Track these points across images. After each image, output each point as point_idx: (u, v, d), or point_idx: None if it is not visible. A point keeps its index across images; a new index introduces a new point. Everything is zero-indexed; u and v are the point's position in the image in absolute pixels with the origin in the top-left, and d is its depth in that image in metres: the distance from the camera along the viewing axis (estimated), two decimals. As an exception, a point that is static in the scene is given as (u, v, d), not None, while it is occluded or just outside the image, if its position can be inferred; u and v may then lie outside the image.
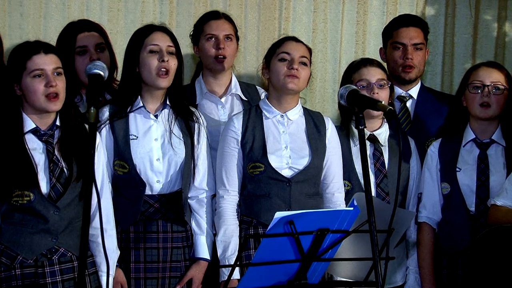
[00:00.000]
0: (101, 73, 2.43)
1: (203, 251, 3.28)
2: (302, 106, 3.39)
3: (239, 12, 4.41)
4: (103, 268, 2.99)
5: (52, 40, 3.47)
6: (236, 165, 3.27)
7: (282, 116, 3.32)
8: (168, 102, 3.28)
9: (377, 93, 3.34)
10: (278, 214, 2.25)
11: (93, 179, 2.34)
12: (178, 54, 3.25)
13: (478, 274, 3.09)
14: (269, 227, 2.26)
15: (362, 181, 3.35)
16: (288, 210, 3.12)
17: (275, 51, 3.31)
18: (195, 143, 3.28)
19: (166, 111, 3.28)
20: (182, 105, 3.30)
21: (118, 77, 3.69)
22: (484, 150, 3.41)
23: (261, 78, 3.53)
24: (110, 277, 2.95)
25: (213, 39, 3.63)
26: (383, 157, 3.43)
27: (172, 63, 3.19)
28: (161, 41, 3.20)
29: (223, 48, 3.60)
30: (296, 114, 3.34)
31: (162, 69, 3.16)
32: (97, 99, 2.32)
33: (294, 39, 3.35)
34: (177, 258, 3.25)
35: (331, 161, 3.33)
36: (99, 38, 3.59)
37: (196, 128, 3.30)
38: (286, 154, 3.27)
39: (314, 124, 3.34)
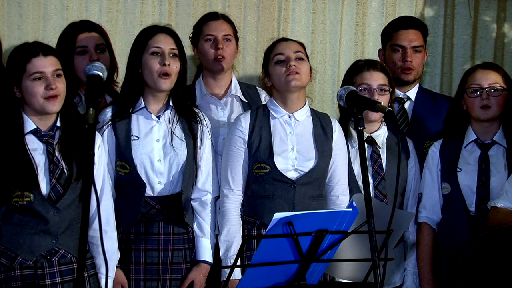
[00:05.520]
0: (100, 74, 2.44)
1: (205, 254, 3.27)
2: (310, 107, 3.39)
3: (238, 13, 4.42)
4: (103, 270, 2.98)
5: (51, 41, 3.47)
6: (241, 165, 3.27)
7: (289, 116, 3.31)
8: (171, 103, 3.28)
9: (377, 98, 3.33)
10: (277, 215, 2.25)
11: (92, 181, 2.34)
12: (181, 56, 3.24)
13: (479, 275, 3.09)
14: (268, 228, 2.27)
15: (359, 182, 3.36)
16: (292, 211, 3.12)
17: (269, 57, 3.32)
18: (198, 144, 3.28)
19: (168, 112, 3.27)
20: (186, 106, 3.30)
21: (118, 78, 3.70)
22: (486, 151, 3.42)
23: (262, 82, 3.52)
24: (109, 279, 2.96)
25: (212, 39, 3.63)
26: (380, 159, 3.43)
27: (174, 66, 3.19)
28: (163, 44, 3.19)
29: (221, 48, 3.60)
30: (303, 114, 3.33)
31: (163, 73, 3.16)
32: (96, 100, 2.32)
33: (284, 39, 3.37)
34: (178, 260, 3.24)
35: (337, 163, 3.33)
36: (100, 39, 3.60)
37: (199, 130, 3.29)
38: (292, 155, 3.27)
39: (321, 126, 3.34)
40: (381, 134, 3.48)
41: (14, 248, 2.85)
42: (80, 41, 3.55)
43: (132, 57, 3.24)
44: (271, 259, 2.33)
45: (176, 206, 3.24)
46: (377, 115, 3.41)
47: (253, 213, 3.28)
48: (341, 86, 3.08)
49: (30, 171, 2.84)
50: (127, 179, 3.20)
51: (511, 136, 3.42)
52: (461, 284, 3.34)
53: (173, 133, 3.24)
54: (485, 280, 3.08)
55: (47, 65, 2.87)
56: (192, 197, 3.30)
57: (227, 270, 3.17)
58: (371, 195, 3.27)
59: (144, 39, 3.22)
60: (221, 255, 3.24)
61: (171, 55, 3.19)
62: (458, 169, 3.42)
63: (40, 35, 4.10)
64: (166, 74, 3.16)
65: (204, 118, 3.34)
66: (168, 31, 3.26)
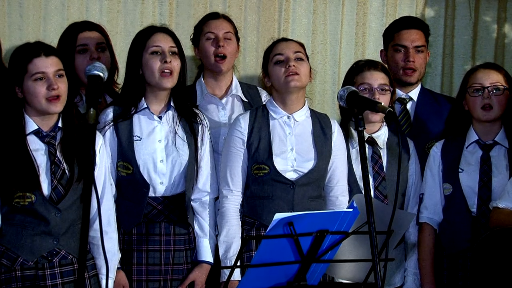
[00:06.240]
0: (101, 74, 2.44)
1: (206, 254, 3.27)
2: (309, 108, 3.38)
3: (239, 14, 4.41)
4: (104, 270, 2.97)
5: (52, 41, 3.47)
6: (240, 166, 3.26)
7: (288, 117, 3.31)
8: (172, 104, 3.27)
9: (378, 98, 3.33)
10: (278, 215, 2.25)
11: (92, 181, 2.34)
12: (180, 54, 3.24)
13: (481, 276, 3.09)
14: (268, 228, 2.26)
15: (360, 183, 3.36)
16: (291, 212, 3.12)
17: (269, 57, 3.32)
18: (199, 144, 3.27)
19: (170, 112, 3.27)
20: (186, 107, 3.30)
21: (119, 79, 3.70)
22: (487, 151, 3.41)
23: (262, 82, 3.52)
24: (110, 280, 2.95)
25: (213, 38, 3.63)
26: (381, 159, 3.43)
27: (175, 64, 3.19)
28: (162, 42, 3.20)
29: (222, 46, 3.60)
30: (303, 115, 3.33)
31: (165, 70, 3.16)
32: (96, 100, 2.32)
33: (283, 39, 3.37)
34: (179, 260, 3.24)
35: (336, 164, 3.32)
36: (100, 38, 3.60)
37: (199, 130, 3.29)
38: (292, 156, 3.27)
39: (320, 127, 3.34)
40: (381, 135, 3.48)
41: (15, 249, 2.85)
42: (80, 39, 3.55)
43: (131, 58, 3.24)
44: (271, 260, 2.33)
45: (177, 207, 3.23)
46: (377, 116, 3.40)
47: (252, 214, 3.27)
48: (342, 87, 3.07)
49: (31, 172, 2.84)
50: (130, 180, 3.19)
51: (513, 137, 3.42)
52: (463, 285, 3.34)
53: (176, 133, 3.23)
54: (486, 281, 3.08)
55: (49, 65, 2.87)
56: (192, 197, 3.30)
57: (227, 271, 3.18)
58: (372, 196, 3.29)
59: (143, 39, 3.22)
60: (220, 256, 3.24)
61: (171, 53, 3.19)
62: (459, 170, 3.42)
63: (41, 35, 4.09)
64: (168, 72, 3.16)
65: (204, 119, 3.34)
66: (165, 30, 3.26)
